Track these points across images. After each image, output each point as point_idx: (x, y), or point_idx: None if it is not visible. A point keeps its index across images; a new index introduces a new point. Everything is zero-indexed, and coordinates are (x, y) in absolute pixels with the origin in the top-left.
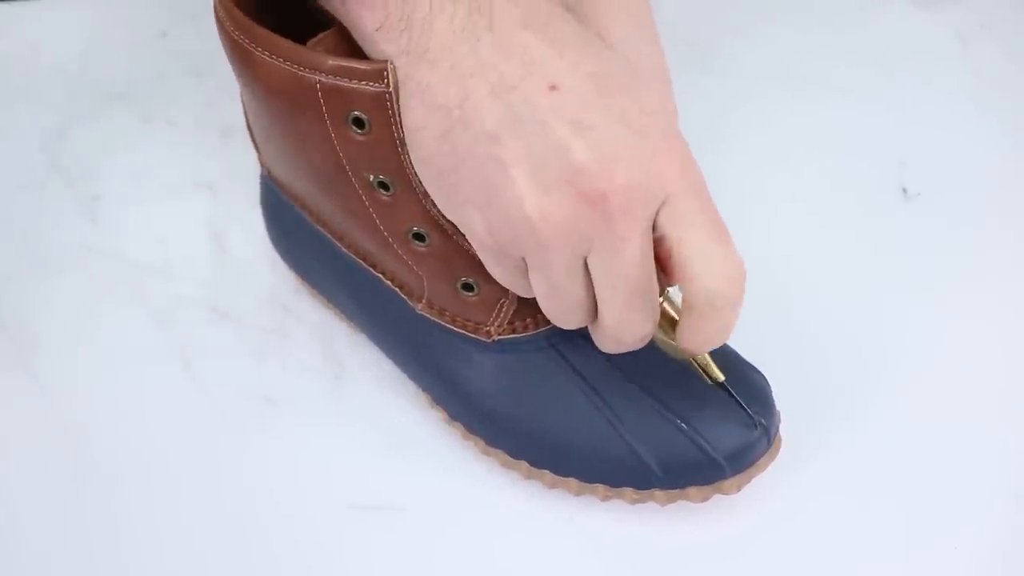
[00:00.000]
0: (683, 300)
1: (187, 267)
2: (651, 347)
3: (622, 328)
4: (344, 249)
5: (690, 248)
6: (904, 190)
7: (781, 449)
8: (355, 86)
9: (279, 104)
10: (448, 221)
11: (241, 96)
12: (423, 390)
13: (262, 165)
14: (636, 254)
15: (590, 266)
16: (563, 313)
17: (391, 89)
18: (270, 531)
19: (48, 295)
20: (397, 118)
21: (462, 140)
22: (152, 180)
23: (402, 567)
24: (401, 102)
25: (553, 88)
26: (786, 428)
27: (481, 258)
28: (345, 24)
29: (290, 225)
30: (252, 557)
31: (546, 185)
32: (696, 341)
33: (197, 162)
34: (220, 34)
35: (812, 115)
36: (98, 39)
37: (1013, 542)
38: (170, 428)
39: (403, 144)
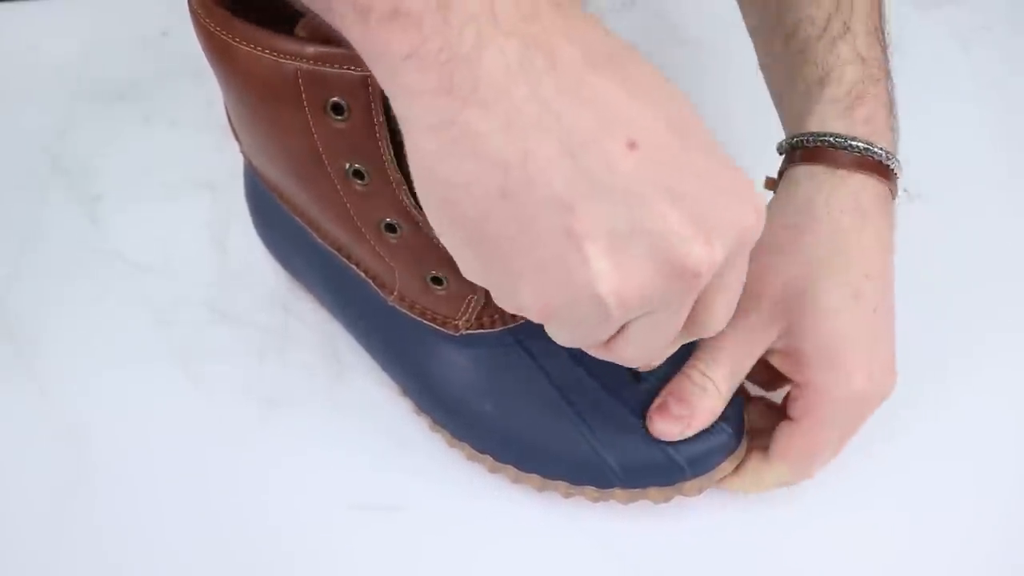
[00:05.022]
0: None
1: (187, 267)
2: None
3: (638, 359)
4: (319, 240)
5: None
6: (905, 191)
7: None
8: (336, 71)
9: (258, 94)
10: (420, 213)
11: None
12: (393, 380)
13: (244, 156)
14: (687, 311)
15: (638, 321)
16: (574, 343)
17: (371, 73)
18: (270, 531)
19: (48, 295)
20: (378, 102)
21: (524, 203)
22: (152, 180)
23: (403, 567)
24: (443, 151)
25: (633, 146)
26: None
27: (507, 308)
28: (358, 49)
29: (271, 215)
30: (251, 557)
31: (628, 262)
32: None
33: (197, 162)
34: (196, 29)
35: None
36: (98, 39)
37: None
38: (170, 428)
39: (381, 131)
